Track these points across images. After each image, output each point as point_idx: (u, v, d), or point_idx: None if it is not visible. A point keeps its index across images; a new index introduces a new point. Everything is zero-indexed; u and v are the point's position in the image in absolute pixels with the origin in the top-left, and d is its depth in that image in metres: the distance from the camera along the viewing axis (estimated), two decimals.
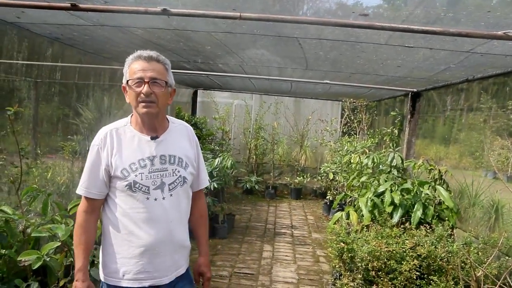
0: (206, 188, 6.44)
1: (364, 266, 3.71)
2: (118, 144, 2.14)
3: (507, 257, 3.90)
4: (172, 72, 2.25)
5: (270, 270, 5.41)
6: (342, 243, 3.95)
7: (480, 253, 3.91)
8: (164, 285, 2.22)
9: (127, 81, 2.10)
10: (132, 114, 2.22)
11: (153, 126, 2.20)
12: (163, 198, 2.17)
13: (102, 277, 2.22)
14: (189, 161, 2.31)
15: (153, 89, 2.07)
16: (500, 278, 3.73)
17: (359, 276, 3.72)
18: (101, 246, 2.25)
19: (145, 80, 2.06)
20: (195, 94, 10.86)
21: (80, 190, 2.17)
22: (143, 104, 2.08)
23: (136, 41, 4.13)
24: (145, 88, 2.05)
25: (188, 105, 10.70)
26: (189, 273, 2.41)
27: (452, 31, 2.53)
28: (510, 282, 3.28)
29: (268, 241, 6.66)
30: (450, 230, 4.64)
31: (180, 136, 2.32)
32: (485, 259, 3.82)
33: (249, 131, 10.42)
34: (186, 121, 9.15)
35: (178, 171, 2.23)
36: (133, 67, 2.09)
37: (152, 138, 2.19)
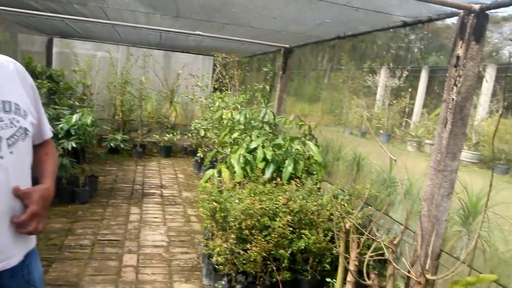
0: (63, 148, 5.72)
1: (237, 225, 3.57)
2: None
3: (369, 207, 4.12)
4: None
5: (138, 235, 5.03)
6: (214, 203, 3.74)
7: (346, 205, 4.06)
8: (14, 267, 1.71)
9: None
10: None
11: None
12: (1, 157, 1.62)
13: None
14: (26, 107, 1.77)
15: None
16: (364, 227, 3.92)
17: (233, 236, 3.58)
18: None
19: None
20: (50, 43, 9.50)
21: None
22: None
23: None
24: None
25: (42, 55, 9.33)
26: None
27: None
28: (374, 230, 3.44)
29: (135, 203, 6.21)
30: (319, 183, 4.77)
31: (7, 76, 1.76)
32: (351, 210, 3.98)
33: (114, 86, 9.53)
34: (39, 72, 7.95)
35: (17, 121, 1.69)
36: None
37: None
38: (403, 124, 18.66)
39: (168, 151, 9.82)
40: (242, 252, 3.53)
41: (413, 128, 17.15)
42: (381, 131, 17.39)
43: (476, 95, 15.04)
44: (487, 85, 15.70)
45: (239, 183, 4.58)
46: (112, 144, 7.87)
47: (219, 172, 4.97)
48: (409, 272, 3.08)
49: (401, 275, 3.47)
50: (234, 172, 4.85)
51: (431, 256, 3.05)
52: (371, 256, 3.02)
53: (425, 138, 15.60)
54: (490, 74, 16.10)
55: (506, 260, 2.90)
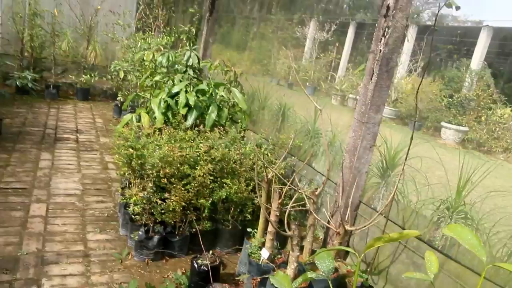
0: None
1: (155, 174, 3.37)
2: None
3: (292, 157, 4.10)
4: None
5: (48, 182, 4.64)
6: (130, 149, 3.49)
7: (270, 154, 4.01)
8: None
9: None
10: None
11: None
12: None
13: None
14: None
15: None
16: (287, 177, 3.90)
17: (150, 184, 3.38)
18: None
19: None
20: None
21: None
22: None
23: None
24: None
25: None
26: None
27: None
28: (297, 181, 3.43)
29: (47, 148, 5.72)
30: (243, 132, 4.66)
31: None
32: (274, 160, 3.93)
33: (21, 17, 8.51)
34: None
35: None
36: None
37: None
38: (329, 78, 19.03)
39: (86, 94, 9.14)
40: (160, 202, 3.36)
41: (338, 82, 17.55)
42: (307, 84, 17.61)
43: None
44: (408, 44, 16.31)
45: (159, 129, 4.34)
46: (18, 83, 7.10)
47: (139, 117, 4.67)
48: (328, 222, 3.12)
49: (321, 225, 3.52)
50: (155, 118, 4.58)
51: (351, 207, 3.10)
52: (292, 207, 3.00)
53: (349, 92, 16.07)
54: (411, 35, 16.71)
55: (417, 210, 3.02)
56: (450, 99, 12.92)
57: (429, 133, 12.92)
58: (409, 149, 2.73)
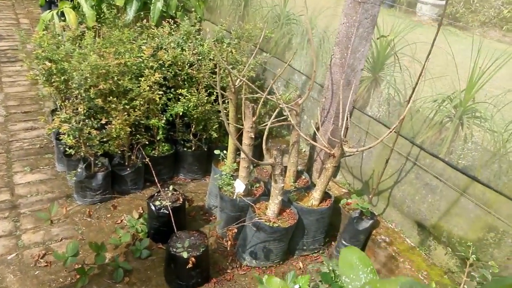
0: None
1: (86, 93, 2.54)
2: None
3: (263, 53, 3.28)
4: None
5: None
6: (47, 62, 2.59)
7: (234, 51, 3.16)
8: None
9: None
10: None
11: None
12: None
13: None
14: None
15: None
16: (258, 77, 3.15)
17: (81, 107, 2.55)
18: None
19: None
20: None
21: None
22: None
23: None
24: None
25: None
26: None
27: None
28: (274, 88, 2.68)
29: None
30: (198, 24, 3.72)
31: None
32: (241, 58, 3.11)
33: None
34: None
35: None
36: None
37: None
38: None
39: None
40: (95, 132, 2.54)
41: None
42: None
43: None
44: None
45: (91, 29, 3.36)
46: None
47: (62, 15, 3.63)
48: (315, 139, 2.45)
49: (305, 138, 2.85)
50: (84, 15, 3.56)
51: (342, 116, 2.41)
52: (272, 123, 2.28)
53: None
54: None
55: (418, 109, 2.37)
56: None
57: (403, 9, 11.94)
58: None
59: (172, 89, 2.82)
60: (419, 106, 2.31)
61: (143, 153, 2.77)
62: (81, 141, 2.59)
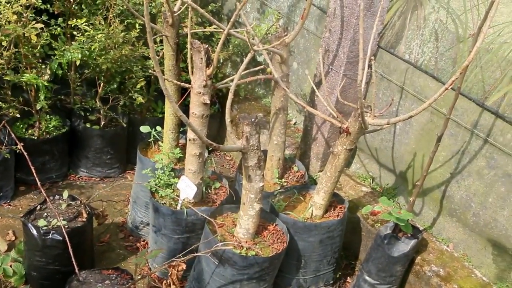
0: None
1: None
2: None
3: None
4: None
5: None
6: None
7: None
8: None
9: None
10: None
11: None
12: None
13: None
14: None
15: None
16: None
17: None
18: None
19: None
20: None
21: None
22: None
23: None
24: None
25: None
26: None
27: None
28: (242, 15, 1.63)
29: None
30: None
31: None
32: None
33: None
34: None
35: None
36: None
37: None
38: None
39: None
40: None
41: None
42: None
43: None
44: None
45: None
46: None
47: None
48: (311, 102, 1.48)
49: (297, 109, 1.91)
50: None
51: (362, 62, 1.43)
52: (241, 77, 1.26)
53: None
54: None
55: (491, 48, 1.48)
56: None
57: None
58: None
59: (61, 19, 1.72)
60: (493, 41, 1.45)
61: (12, 134, 1.65)
62: None
